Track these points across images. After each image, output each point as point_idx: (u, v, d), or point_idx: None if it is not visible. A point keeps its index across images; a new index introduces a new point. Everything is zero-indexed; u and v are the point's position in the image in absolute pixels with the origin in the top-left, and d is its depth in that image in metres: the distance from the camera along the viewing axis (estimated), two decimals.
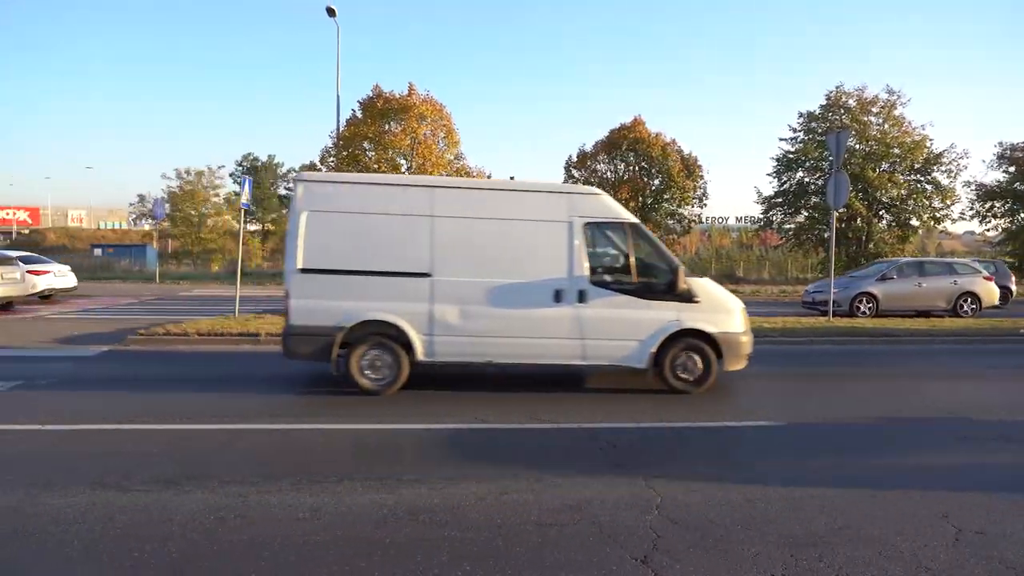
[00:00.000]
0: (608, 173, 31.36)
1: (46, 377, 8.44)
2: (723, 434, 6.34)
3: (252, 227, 50.83)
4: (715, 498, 4.53)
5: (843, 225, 29.25)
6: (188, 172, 40.48)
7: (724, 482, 4.84)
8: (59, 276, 18.74)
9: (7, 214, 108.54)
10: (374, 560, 3.60)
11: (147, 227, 60.06)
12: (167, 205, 35.88)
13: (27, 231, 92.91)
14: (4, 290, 16.58)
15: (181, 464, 5.18)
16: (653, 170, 30.53)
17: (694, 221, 32.75)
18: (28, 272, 17.23)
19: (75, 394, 7.62)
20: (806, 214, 31.41)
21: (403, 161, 28.32)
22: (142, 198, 42.26)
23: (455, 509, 4.31)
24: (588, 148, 31.46)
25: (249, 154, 61.06)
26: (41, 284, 17.64)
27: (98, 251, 47.35)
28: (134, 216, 53.04)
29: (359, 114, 28.86)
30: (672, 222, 31.30)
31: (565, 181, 31.98)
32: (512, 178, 25.90)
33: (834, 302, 16.31)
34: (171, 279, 31.10)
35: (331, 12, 25.56)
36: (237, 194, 47.17)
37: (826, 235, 26.71)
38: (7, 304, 16.83)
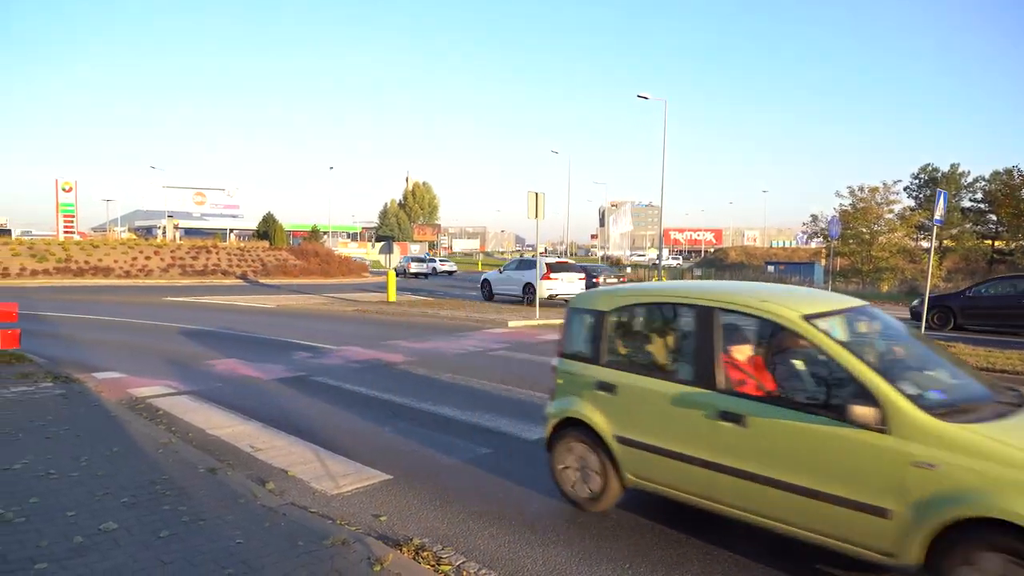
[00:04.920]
0: None
1: None
2: None
3: (925, 244, 46.86)
4: None
5: None
6: (861, 189, 39.99)
7: None
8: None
9: (698, 235, 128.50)
10: None
11: (814, 245, 62.01)
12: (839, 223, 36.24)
13: (712, 250, 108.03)
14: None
15: None
16: None
17: None
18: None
19: None
20: None
21: None
22: (815, 217, 43.59)
23: None
24: None
25: (927, 165, 56.67)
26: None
27: (771, 268, 51.26)
28: (805, 235, 55.36)
29: None
30: None
31: None
32: None
33: None
34: None
35: None
36: (912, 209, 44.37)
37: None
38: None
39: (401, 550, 3.88)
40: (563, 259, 25.95)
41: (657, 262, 60.36)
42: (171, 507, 4.31)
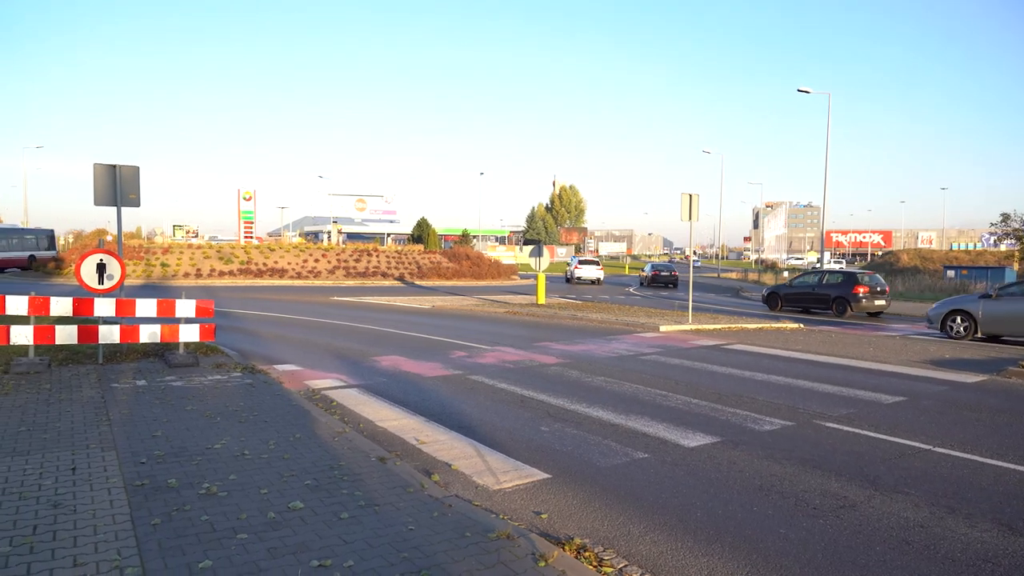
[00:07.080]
0: None
1: (927, 397, 8.63)
2: None
3: None
4: None
5: None
6: None
7: None
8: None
9: (863, 237, 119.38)
10: None
11: (1003, 247, 55.49)
12: None
13: (880, 252, 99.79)
14: None
15: None
16: None
17: None
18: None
19: (958, 420, 7.48)
20: None
21: None
22: (1006, 217, 38.78)
23: None
24: None
25: None
26: None
27: (951, 272, 46.56)
28: (993, 236, 49.77)
29: None
30: None
31: None
32: None
33: None
34: None
35: None
36: None
37: None
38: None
39: (564, 548, 3.92)
40: (588, 257, 43.90)
41: (817, 265, 56.74)
42: (348, 492, 4.62)
